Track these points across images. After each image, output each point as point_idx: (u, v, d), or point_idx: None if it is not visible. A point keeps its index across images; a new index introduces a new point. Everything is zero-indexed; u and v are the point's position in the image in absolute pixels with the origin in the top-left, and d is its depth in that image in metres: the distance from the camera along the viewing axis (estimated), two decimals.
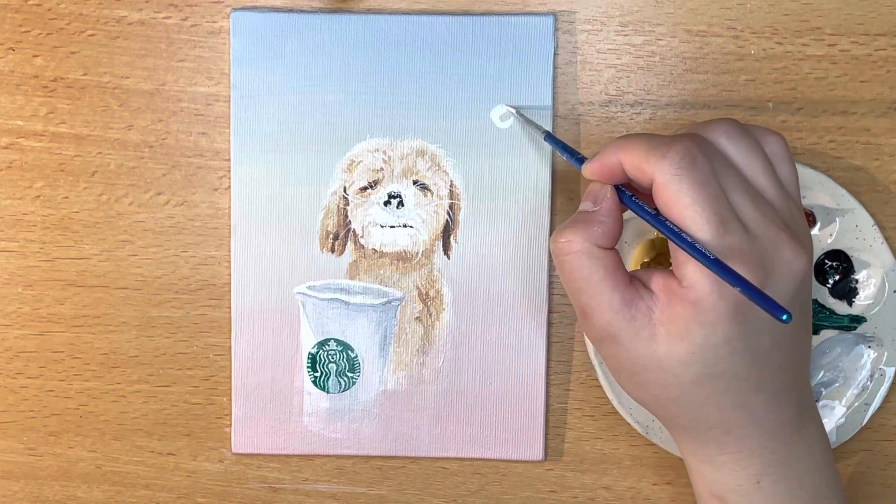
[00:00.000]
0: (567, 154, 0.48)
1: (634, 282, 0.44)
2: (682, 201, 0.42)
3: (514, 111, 0.52)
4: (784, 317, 0.38)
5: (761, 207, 0.43)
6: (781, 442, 0.46)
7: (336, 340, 0.54)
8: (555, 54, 0.53)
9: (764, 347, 0.44)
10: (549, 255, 0.53)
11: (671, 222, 0.42)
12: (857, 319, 0.53)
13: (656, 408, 0.46)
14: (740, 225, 0.42)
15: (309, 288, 0.53)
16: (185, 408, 0.55)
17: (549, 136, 0.51)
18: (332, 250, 0.53)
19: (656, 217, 0.43)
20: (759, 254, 0.42)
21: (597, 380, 0.54)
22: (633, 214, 0.47)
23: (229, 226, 0.54)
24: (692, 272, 0.42)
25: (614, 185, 0.45)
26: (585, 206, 0.45)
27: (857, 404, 0.53)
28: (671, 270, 0.44)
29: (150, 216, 0.54)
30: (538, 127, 0.51)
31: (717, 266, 0.40)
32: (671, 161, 0.42)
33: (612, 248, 0.45)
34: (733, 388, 0.44)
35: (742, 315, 0.42)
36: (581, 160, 0.46)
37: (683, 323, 0.43)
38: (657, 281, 0.44)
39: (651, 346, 0.44)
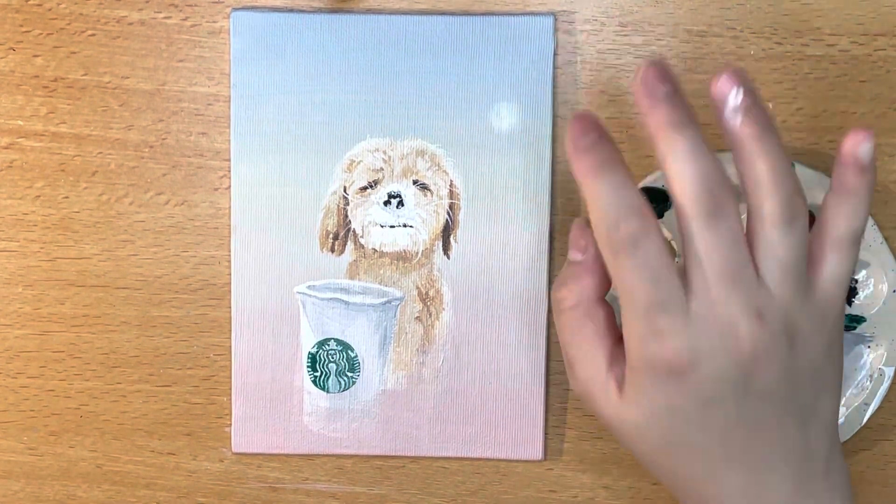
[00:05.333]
0: None
1: (622, 343, 0.44)
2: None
3: None
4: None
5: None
6: None
7: (336, 340, 0.54)
8: (555, 54, 0.53)
9: (717, 420, 0.42)
10: (549, 255, 0.53)
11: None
12: (857, 319, 0.53)
13: (642, 464, 0.46)
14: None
15: (309, 287, 0.54)
16: (186, 407, 0.55)
17: None
18: (332, 250, 0.53)
19: None
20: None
21: None
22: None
23: (229, 226, 0.54)
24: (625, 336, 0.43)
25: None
26: (574, 256, 0.46)
27: (856, 404, 0.53)
28: None
29: (150, 216, 0.54)
30: None
31: None
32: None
33: (603, 298, 0.46)
34: (697, 457, 0.43)
35: (685, 384, 0.42)
36: None
37: (640, 388, 0.43)
38: None
39: (617, 410, 0.44)
